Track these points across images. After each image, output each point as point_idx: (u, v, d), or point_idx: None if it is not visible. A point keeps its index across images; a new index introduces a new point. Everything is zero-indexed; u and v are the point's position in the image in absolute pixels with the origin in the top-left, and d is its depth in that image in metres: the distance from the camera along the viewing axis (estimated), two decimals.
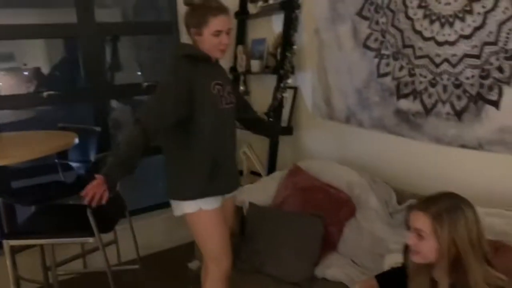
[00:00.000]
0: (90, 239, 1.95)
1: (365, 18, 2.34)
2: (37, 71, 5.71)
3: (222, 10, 1.83)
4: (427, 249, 1.30)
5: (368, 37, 2.34)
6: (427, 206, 1.33)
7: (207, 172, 1.86)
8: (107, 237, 2.25)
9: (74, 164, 2.78)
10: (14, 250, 2.09)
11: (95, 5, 3.00)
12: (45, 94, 2.89)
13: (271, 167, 2.94)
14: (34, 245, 2.42)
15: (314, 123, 2.83)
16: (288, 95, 2.88)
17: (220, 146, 1.90)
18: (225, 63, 3.34)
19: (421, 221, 1.31)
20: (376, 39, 2.30)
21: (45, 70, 5.67)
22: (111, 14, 4.08)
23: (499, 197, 1.83)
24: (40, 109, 3.73)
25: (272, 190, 2.57)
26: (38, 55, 5.88)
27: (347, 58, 2.48)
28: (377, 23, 2.28)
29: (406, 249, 1.46)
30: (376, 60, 2.30)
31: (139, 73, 4.24)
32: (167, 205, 2.01)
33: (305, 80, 2.85)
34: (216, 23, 1.80)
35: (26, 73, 5.57)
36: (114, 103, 4.09)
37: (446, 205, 1.31)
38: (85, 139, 2.65)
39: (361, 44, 2.38)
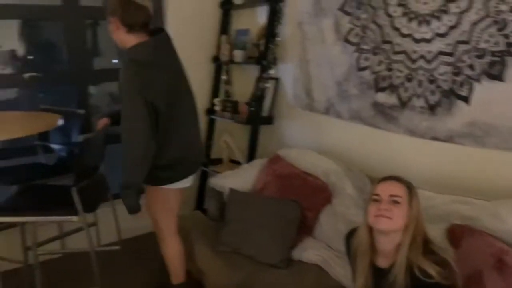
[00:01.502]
0: (75, 218, 1.98)
1: (347, 13, 2.43)
2: (12, 53, 5.61)
3: None
4: (400, 215, 1.44)
5: (349, 32, 2.43)
6: (398, 178, 1.49)
7: None
8: (88, 218, 2.28)
9: (55, 146, 2.79)
10: None
11: None
12: (26, 75, 2.87)
13: (251, 156, 3.02)
14: (14, 225, 2.44)
15: (294, 113, 2.92)
16: (269, 85, 2.96)
17: None
18: (208, 52, 3.39)
19: (398, 188, 1.46)
20: (356, 34, 2.39)
21: (20, 52, 5.57)
22: None
23: (466, 186, 1.96)
24: (20, 91, 3.69)
25: (251, 177, 2.65)
26: (13, 38, 5.77)
27: (329, 52, 2.57)
28: (358, 18, 2.37)
29: (349, 236, 1.60)
30: (356, 54, 2.40)
31: (116, 61, 4.22)
32: None
33: (286, 72, 2.93)
34: None
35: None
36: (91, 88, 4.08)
37: (410, 182, 1.52)
38: (67, 121, 2.66)
39: (342, 38, 2.47)
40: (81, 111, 2.64)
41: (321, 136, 2.75)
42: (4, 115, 2.52)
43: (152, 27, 2.00)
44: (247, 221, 2.30)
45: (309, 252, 2.15)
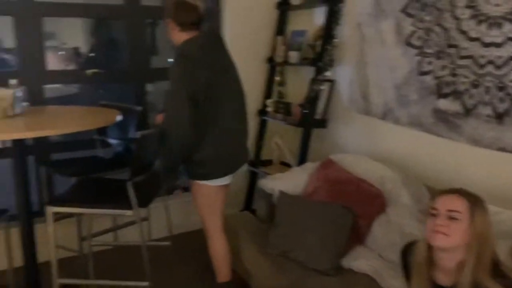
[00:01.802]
0: (129, 212, 2.02)
1: (410, 15, 2.33)
2: (75, 51, 5.89)
3: None
4: (458, 232, 1.33)
5: (411, 35, 2.33)
6: (460, 192, 1.37)
7: None
8: (141, 213, 2.32)
9: (112, 141, 2.87)
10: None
11: None
12: (88, 72, 2.99)
13: (302, 159, 2.98)
14: (72, 215, 2.54)
15: (349, 117, 2.85)
16: (324, 87, 2.91)
17: None
18: (263, 53, 3.38)
19: (458, 203, 1.34)
20: (419, 37, 2.29)
21: (83, 50, 5.83)
22: None
23: None
24: (82, 87, 3.85)
25: (302, 181, 2.61)
26: (77, 36, 6.06)
27: (388, 54, 2.48)
28: (421, 21, 2.27)
29: (406, 250, 1.50)
30: (418, 58, 2.30)
31: (171, 60, 4.30)
32: None
33: (343, 74, 2.87)
34: None
35: (63, 52, 5.76)
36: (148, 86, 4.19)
37: (476, 196, 1.36)
38: (125, 117, 2.74)
39: (404, 41, 2.37)
40: (139, 108, 2.71)
41: (376, 142, 2.66)
42: (66, 109, 2.63)
43: (205, 26, 2.12)
44: (297, 224, 2.26)
45: (360, 261, 2.09)
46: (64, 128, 2.06)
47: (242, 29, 3.30)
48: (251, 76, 3.39)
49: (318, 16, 3.03)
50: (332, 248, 2.13)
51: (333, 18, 2.81)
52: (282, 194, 2.46)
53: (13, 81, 2.26)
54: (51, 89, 3.01)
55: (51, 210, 2.03)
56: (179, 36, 2.05)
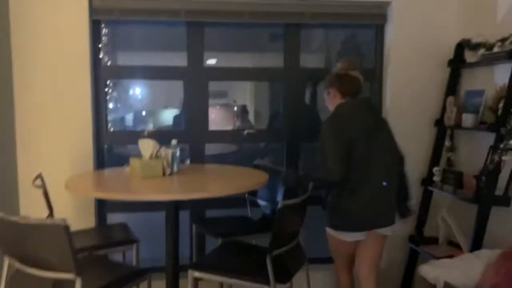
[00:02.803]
0: (266, 287, 1.89)
1: None
2: (243, 108, 6.30)
3: None
4: None
5: None
6: None
7: None
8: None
9: (261, 202, 2.83)
10: (197, 280, 2.18)
11: (301, 50, 3.09)
12: (245, 132, 3.06)
13: (477, 242, 2.46)
14: None
15: None
16: (508, 158, 2.40)
17: None
18: (431, 114, 3.03)
19: None
20: None
21: (251, 108, 6.21)
22: (316, 59, 4.18)
23: None
24: (242, 145, 4.06)
25: (476, 272, 2.12)
26: (246, 94, 6.52)
27: None
28: None
29: None
30: None
31: None
32: None
33: None
34: None
35: (235, 108, 6.22)
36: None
37: None
38: (274, 179, 2.68)
39: None
40: (288, 171, 2.62)
41: None
42: (221, 169, 2.71)
43: (362, 95, 2.38)
44: None
45: None
46: (213, 191, 2.10)
47: (407, 89, 3.04)
48: (416, 139, 3.07)
49: (500, 74, 2.58)
50: None
51: None
52: (448, 286, 2.03)
53: (174, 141, 2.39)
54: (210, 146, 3.16)
55: (192, 274, 2.02)
56: (337, 103, 2.31)
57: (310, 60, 3.87)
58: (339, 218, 2.24)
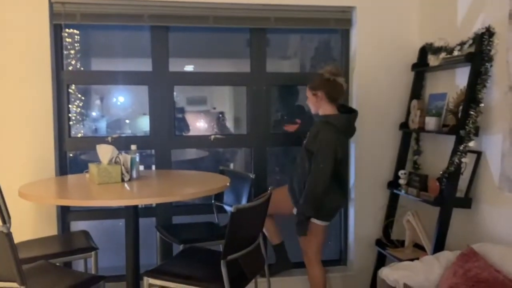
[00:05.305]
0: None
1: None
2: (221, 115, 6.27)
3: None
4: None
5: None
6: None
7: None
8: None
9: (227, 208, 2.81)
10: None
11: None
12: (212, 137, 3.04)
13: (439, 244, 2.47)
14: None
15: (500, 197, 2.29)
16: (468, 160, 2.42)
17: None
18: (396, 118, 3.04)
19: None
20: None
21: (230, 114, 6.19)
22: (291, 65, 4.19)
23: None
24: (212, 149, 4.03)
25: (434, 275, 2.12)
26: (225, 100, 6.49)
27: None
28: None
29: None
30: None
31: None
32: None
33: (492, 145, 2.36)
34: None
35: (213, 115, 6.19)
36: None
37: None
38: (239, 184, 2.66)
39: None
40: (252, 175, 2.60)
41: None
42: (184, 174, 2.70)
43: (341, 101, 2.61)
44: None
45: None
46: (169, 197, 2.06)
47: (372, 93, 3.05)
48: (381, 142, 3.08)
49: (461, 77, 2.61)
50: None
51: (479, 79, 2.37)
52: None
53: (133, 147, 2.36)
54: (189, 152, 3.18)
55: (147, 281, 1.98)
56: (325, 107, 2.52)
57: (286, 66, 3.88)
58: (329, 209, 2.56)
